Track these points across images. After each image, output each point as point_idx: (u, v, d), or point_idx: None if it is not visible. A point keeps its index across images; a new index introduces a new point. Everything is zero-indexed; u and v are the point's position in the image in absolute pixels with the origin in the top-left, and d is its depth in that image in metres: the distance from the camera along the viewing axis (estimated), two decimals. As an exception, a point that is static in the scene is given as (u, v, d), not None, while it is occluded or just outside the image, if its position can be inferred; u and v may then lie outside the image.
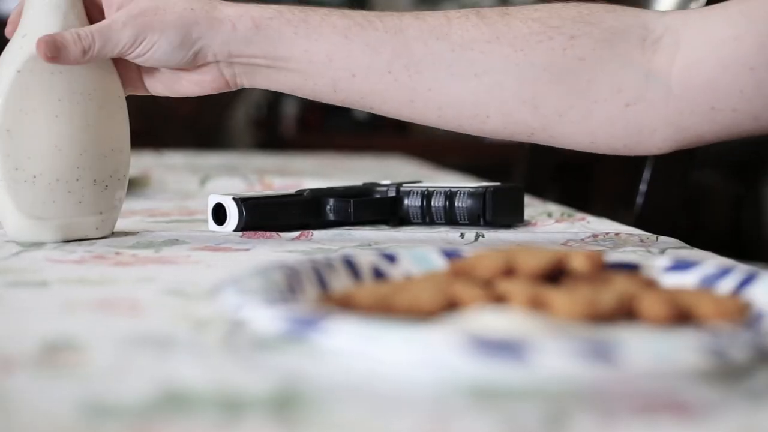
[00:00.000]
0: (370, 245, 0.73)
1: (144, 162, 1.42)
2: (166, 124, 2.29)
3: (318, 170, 1.40)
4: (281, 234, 0.76)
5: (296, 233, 0.77)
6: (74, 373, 0.40)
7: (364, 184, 0.86)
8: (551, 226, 0.84)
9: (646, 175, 1.09)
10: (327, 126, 3.06)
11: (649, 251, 0.70)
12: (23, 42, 0.69)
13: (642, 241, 0.75)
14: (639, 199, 1.10)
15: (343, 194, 0.82)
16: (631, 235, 0.78)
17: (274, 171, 1.31)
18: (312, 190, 0.82)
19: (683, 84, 0.68)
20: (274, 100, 2.80)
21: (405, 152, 1.92)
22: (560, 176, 1.68)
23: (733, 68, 0.67)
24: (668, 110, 0.68)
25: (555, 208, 0.94)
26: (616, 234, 0.78)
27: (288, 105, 2.97)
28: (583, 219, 0.87)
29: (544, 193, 1.26)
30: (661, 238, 0.76)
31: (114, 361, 0.42)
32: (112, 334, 0.46)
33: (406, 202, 0.83)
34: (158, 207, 0.96)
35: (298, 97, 3.01)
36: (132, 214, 0.90)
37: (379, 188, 0.85)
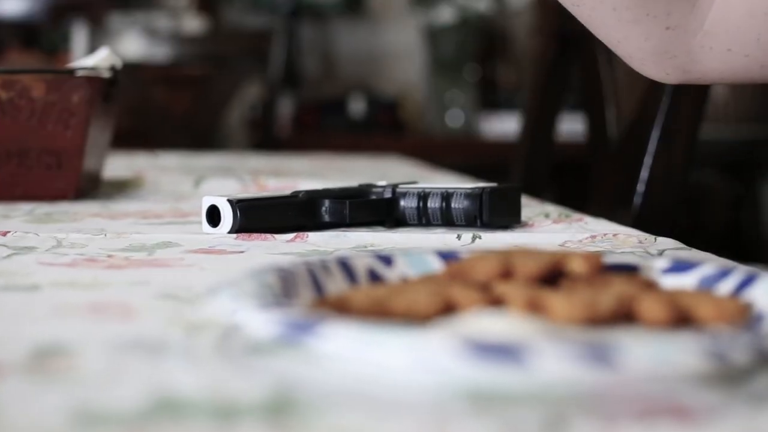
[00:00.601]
0: (366, 247, 0.72)
1: (138, 162, 1.42)
2: (161, 124, 2.28)
3: (313, 171, 1.40)
4: (276, 236, 0.76)
5: (291, 235, 0.76)
6: (65, 378, 0.39)
7: (360, 185, 0.86)
8: (549, 227, 0.83)
9: (645, 174, 1.09)
10: (323, 125, 3.06)
11: (647, 252, 0.70)
12: None
13: (640, 242, 0.75)
14: (637, 200, 1.09)
15: (338, 196, 0.81)
16: (630, 236, 0.77)
17: (269, 172, 1.30)
18: (307, 192, 0.81)
19: (713, 22, 0.71)
20: (270, 100, 2.80)
21: (401, 152, 1.92)
22: (558, 176, 1.67)
23: (757, 16, 0.70)
24: (693, 42, 0.72)
25: (553, 209, 0.94)
26: (615, 235, 0.77)
27: (283, 105, 2.96)
28: (581, 220, 0.86)
29: (541, 193, 1.25)
30: (660, 238, 0.76)
31: (106, 366, 0.41)
32: (104, 338, 0.45)
33: (402, 203, 0.82)
34: (152, 209, 0.96)
35: (293, 97, 2.99)
36: (125, 216, 0.90)
37: (374, 189, 0.84)
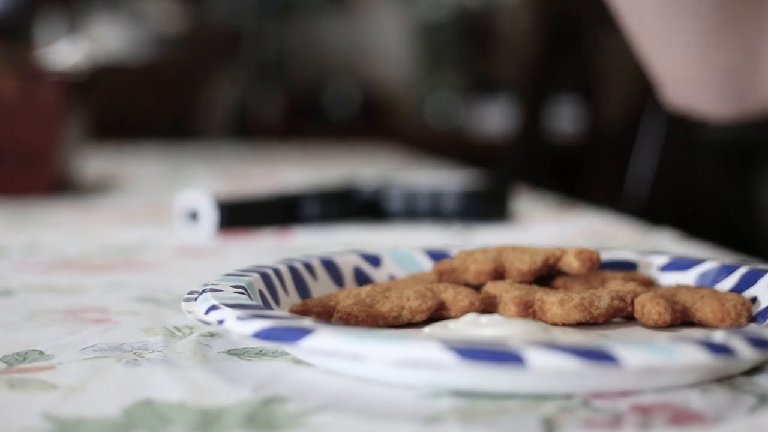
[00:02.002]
0: (352, 246, 0.71)
1: (119, 159, 1.40)
2: (144, 117, 2.27)
3: (300, 161, 1.38)
4: (258, 235, 0.74)
5: (274, 234, 0.74)
6: (41, 385, 0.38)
7: (345, 184, 0.84)
8: (544, 221, 0.82)
9: (644, 167, 1.08)
10: (309, 118, 3.04)
11: (646, 248, 0.68)
12: None
13: (640, 234, 0.73)
14: (637, 192, 1.08)
15: (322, 196, 0.79)
16: (629, 228, 0.76)
17: (253, 165, 1.29)
18: (290, 193, 0.79)
19: None
20: (249, 93, 2.79)
21: (389, 145, 1.90)
22: (555, 168, 1.66)
23: None
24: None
25: (549, 201, 0.92)
26: (612, 229, 0.76)
27: (269, 98, 2.95)
28: (578, 212, 0.85)
29: (538, 185, 1.24)
30: (660, 230, 0.74)
31: (83, 372, 0.39)
32: (81, 344, 0.44)
33: (389, 205, 0.80)
34: (131, 208, 0.94)
35: (279, 90, 2.96)
36: (103, 216, 0.88)
37: (360, 191, 0.82)
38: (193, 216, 0.75)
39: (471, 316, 0.41)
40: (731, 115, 0.71)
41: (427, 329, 0.42)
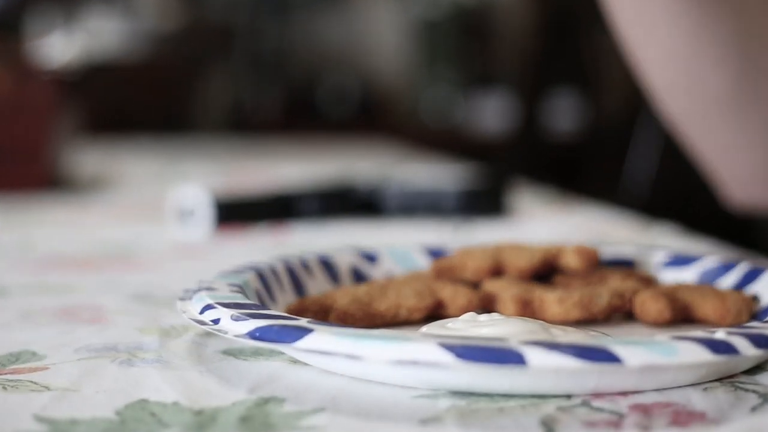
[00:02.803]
0: (349, 243, 0.70)
1: (113, 156, 1.39)
2: (139, 113, 2.26)
3: (297, 157, 1.37)
4: (254, 233, 0.73)
5: (270, 231, 0.74)
6: (35, 385, 0.37)
7: (343, 181, 0.83)
8: (543, 218, 0.81)
9: (644, 160, 1.07)
10: (308, 115, 3.04)
11: (646, 243, 0.68)
12: None
13: (639, 229, 0.73)
14: (636, 189, 1.08)
15: (320, 193, 0.79)
16: (628, 224, 0.75)
17: (250, 161, 1.28)
18: (287, 190, 0.79)
19: None
20: (242, 90, 2.78)
21: (386, 142, 1.90)
22: (554, 164, 1.65)
23: None
24: None
25: (547, 197, 0.92)
26: (611, 225, 0.76)
27: (268, 94, 2.95)
28: (577, 208, 0.85)
29: (536, 181, 1.24)
30: (660, 224, 0.74)
31: (76, 373, 0.39)
32: (75, 344, 0.43)
33: (386, 202, 0.80)
34: (126, 205, 0.93)
35: (277, 86, 2.95)
36: (97, 213, 0.88)
37: (358, 188, 0.81)
38: (190, 213, 0.75)
39: (469, 315, 0.41)
40: None
41: (425, 328, 0.41)
